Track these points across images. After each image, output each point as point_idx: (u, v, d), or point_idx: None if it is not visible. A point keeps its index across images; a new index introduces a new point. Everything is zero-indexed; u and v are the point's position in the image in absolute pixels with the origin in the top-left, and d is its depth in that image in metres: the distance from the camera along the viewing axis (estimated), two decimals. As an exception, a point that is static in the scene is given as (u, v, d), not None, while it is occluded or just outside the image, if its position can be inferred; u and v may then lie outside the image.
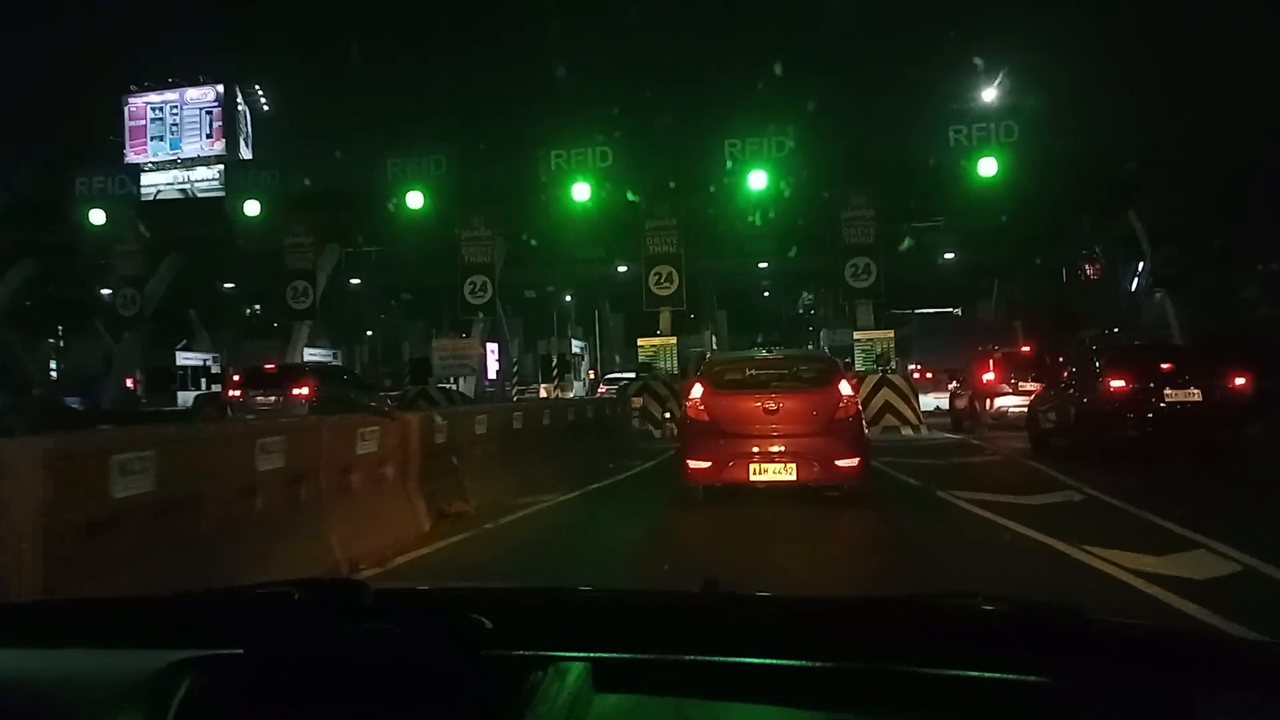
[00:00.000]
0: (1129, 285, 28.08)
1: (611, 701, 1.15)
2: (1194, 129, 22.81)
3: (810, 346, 50.49)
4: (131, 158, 43.44)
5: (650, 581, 4.97)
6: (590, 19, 28.58)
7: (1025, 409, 17.15)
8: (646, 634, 1.31)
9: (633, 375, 23.67)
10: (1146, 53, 24.70)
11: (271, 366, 22.75)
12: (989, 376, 17.88)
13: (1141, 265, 27.50)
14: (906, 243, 29.17)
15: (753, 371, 9.21)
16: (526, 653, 1.22)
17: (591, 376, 38.96)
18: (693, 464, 8.45)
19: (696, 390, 8.81)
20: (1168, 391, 11.33)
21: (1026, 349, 18.73)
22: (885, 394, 19.40)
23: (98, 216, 26.69)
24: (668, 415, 19.37)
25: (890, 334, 22.04)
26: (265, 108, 47.72)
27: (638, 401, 18.46)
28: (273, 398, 19.23)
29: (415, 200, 25.54)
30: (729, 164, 25.03)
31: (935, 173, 25.22)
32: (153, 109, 46.03)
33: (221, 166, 34.55)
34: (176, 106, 46.34)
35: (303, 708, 1.17)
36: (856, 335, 22.06)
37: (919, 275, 31.54)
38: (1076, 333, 27.65)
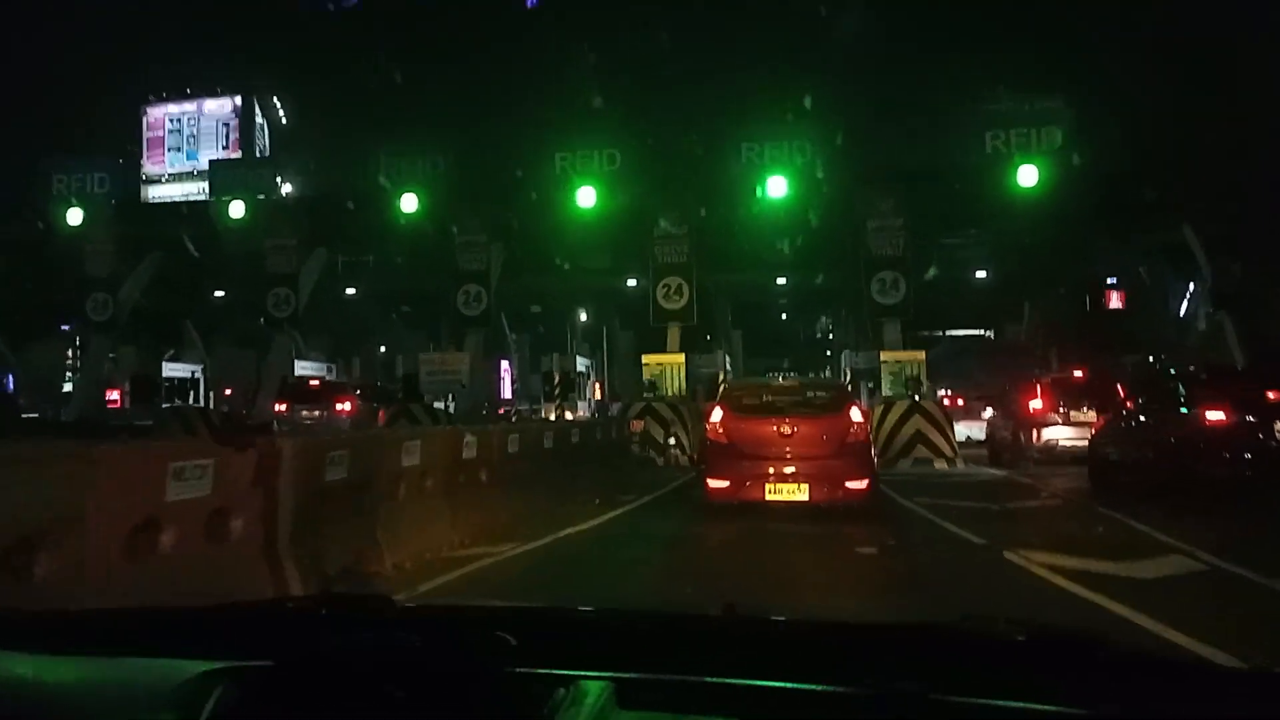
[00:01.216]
0: (1177, 307, 25.91)
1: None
2: (1255, 135, 20.81)
3: (827, 371, 49.39)
4: (149, 169, 42.37)
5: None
6: (599, 15, 26.55)
7: (1079, 442, 15.14)
8: (668, 655, 1.30)
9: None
10: (1203, 52, 22.68)
11: (315, 383, 24.46)
12: (1036, 404, 15.79)
13: (1193, 284, 25.33)
14: (932, 271, 27.20)
15: (769, 397, 9.85)
16: (550, 671, 1.23)
17: (598, 396, 36.92)
18: (712, 483, 9.17)
19: (717, 414, 9.49)
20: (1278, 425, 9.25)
21: (1079, 374, 16.60)
22: (917, 422, 17.33)
23: (75, 216, 25.10)
24: (671, 441, 17.36)
25: (921, 355, 19.96)
26: (284, 120, 46.69)
27: (638, 425, 16.46)
28: (317, 412, 20.08)
29: (410, 203, 23.79)
30: (745, 169, 23.17)
31: (968, 182, 23.26)
32: (171, 120, 45.14)
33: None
34: (194, 118, 45.44)
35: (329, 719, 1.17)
36: (884, 356, 19.99)
37: (948, 293, 29.40)
38: (1115, 358, 25.50)
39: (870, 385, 26.66)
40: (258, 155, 43.24)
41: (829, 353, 54.89)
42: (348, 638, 1.30)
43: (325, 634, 1.34)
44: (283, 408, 20.97)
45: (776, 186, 22.61)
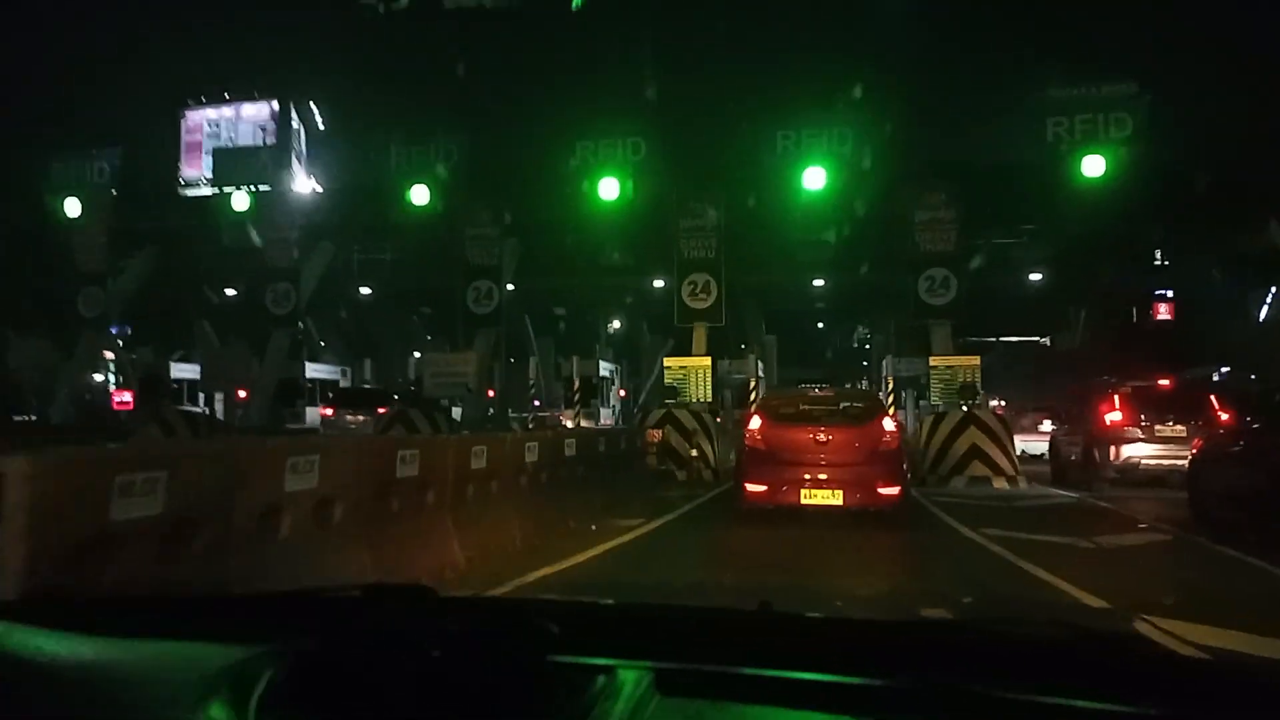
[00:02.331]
0: (1258, 314, 23.53)
1: (673, 710, 1.17)
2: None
3: (864, 383, 47.26)
4: (186, 173, 41.56)
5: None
6: (624, -6, 24.72)
7: (1164, 461, 13.08)
8: (707, 647, 1.32)
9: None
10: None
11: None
12: (1115, 417, 13.68)
13: (1275, 289, 22.98)
14: (976, 260, 24.96)
15: (805, 406, 10.26)
16: (592, 660, 1.25)
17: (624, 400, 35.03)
18: (750, 487, 9.48)
19: (755, 421, 9.89)
20: None
21: (1165, 383, 14.45)
22: (972, 435, 15.28)
23: (72, 206, 23.78)
24: (694, 453, 15.45)
25: (976, 360, 17.90)
26: (321, 125, 45.91)
27: (655, 435, 14.56)
28: (361, 417, 20.27)
29: (420, 195, 22.21)
30: (781, 160, 21.25)
31: (1026, 173, 21.20)
32: (209, 124, 44.74)
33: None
34: (232, 122, 45.20)
35: (374, 704, 1.18)
36: (934, 362, 17.94)
37: (1000, 296, 27.13)
38: (1182, 370, 23.13)
39: (917, 395, 24.49)
40: (294, 161, 42.66)
41: (865, 363, 52.85)
42: (392, 625, 1.30)
43: (370, 621, 1.34)
44: (329, 412, 21.14)
45: (814, 178, 20.69)
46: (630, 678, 1.21)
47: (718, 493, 13.83)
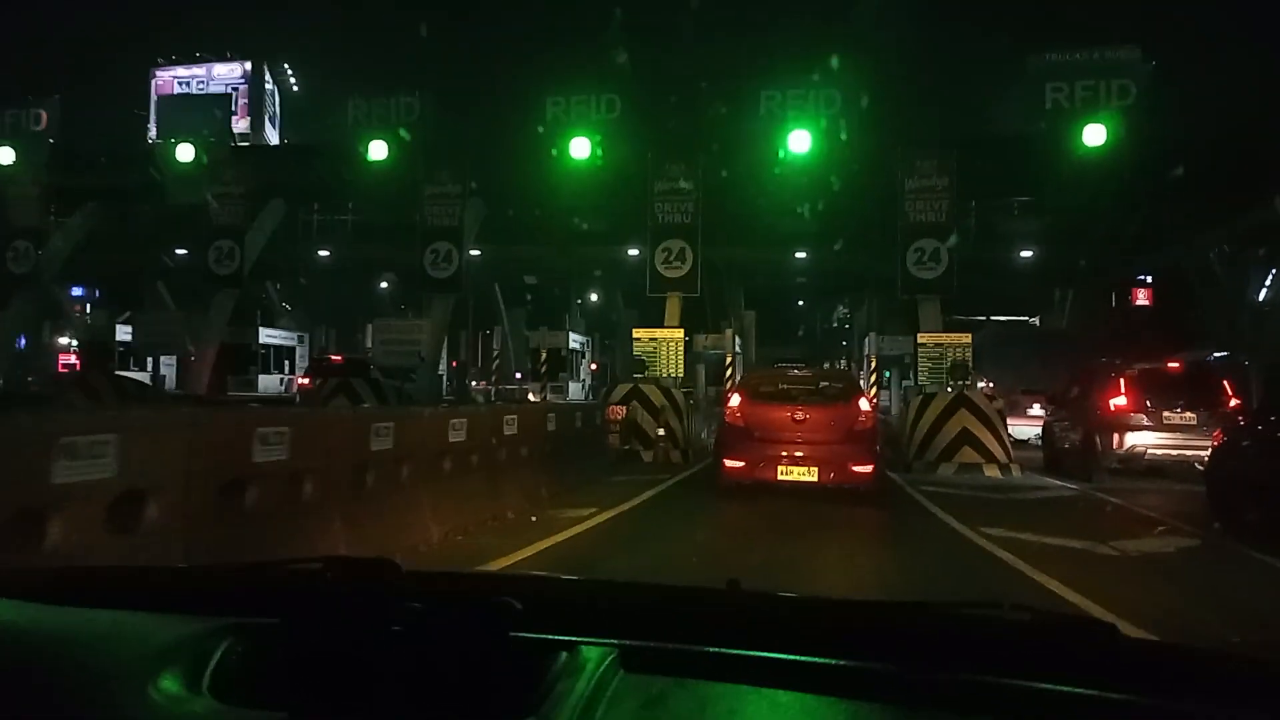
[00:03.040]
0: (1256, 294, 22.50)
1: (636, 687, 1.16)
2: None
3: (844, 361, 46.29)
4: (155, 132, 39.60)
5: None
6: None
7: (1173, 451, 12.01)
8: (672, 625, 1.31)
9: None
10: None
11: (339, 358, 23.44)
12: (1119, 402, 12.55)
13: (1276, 270, 21.95)
14: (963, 234, 23.77)
15: (784, 385, 10.44)
16: (555, 636, 1.23)
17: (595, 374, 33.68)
18: (729, 463, 9.72)
19: (735, 399, 10.16)
20: None
21: (1175, 365, 13.34)
22: (963, 418, 14.12)
23: (5, 154, 22.07)
24: (661, 432, 14.21)
25: (967, 339, 16.73)
26: (295, 87, 44.03)
27: (618, 411, 13.25)
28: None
29: (378, 151, 20.69)
30: (764, 122, 19.89)
31: (1024, 142, 19.99)
32: (179, 82, 42.88)
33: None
34: (203, 82, 43.46)
35: (333, 678, 1.17)
36: (922, 339, 16.75)
37: (989, 273, 25.89)
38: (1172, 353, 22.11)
39: (901, 375, 23.33)
40: (267, 123, 40.89)
41: (844, 343, 51.85)
42: (354, 599, 1.28)
43: (331, 595, 1.32)
44: (305, 382, 20.21)
45: (799, 141, 19.32)
46: (593, 655, 1.20)
47: (686, 476, 12.62)
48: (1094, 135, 18.72)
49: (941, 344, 16.49)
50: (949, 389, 14.89)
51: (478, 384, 25.99)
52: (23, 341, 27.50)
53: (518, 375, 32.18)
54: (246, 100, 41.50)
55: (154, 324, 17.01)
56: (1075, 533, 7.77)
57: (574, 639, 1.23)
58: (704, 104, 20.66)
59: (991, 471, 13.69)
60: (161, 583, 1.59)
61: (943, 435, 14.07)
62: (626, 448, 13.45)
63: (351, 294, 35.94)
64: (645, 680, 1.17)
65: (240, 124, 40.02)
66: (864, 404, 9.99)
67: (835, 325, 57.40)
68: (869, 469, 9.41)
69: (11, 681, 1.18)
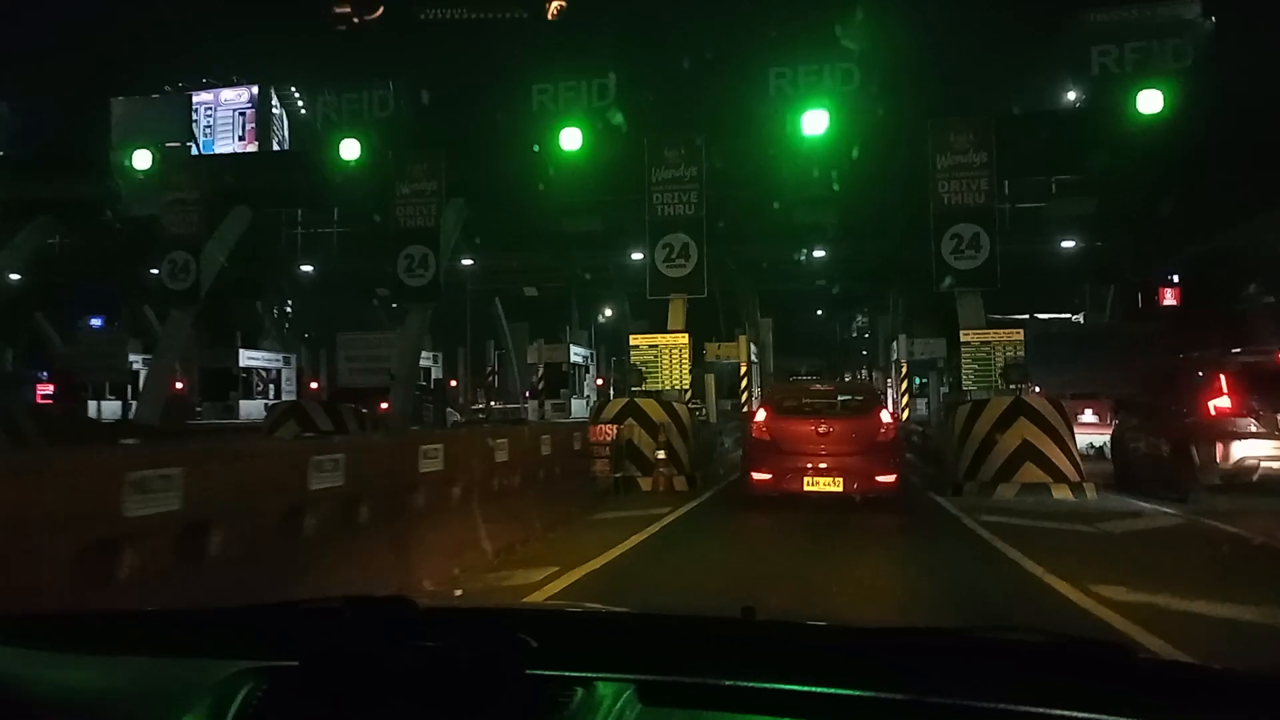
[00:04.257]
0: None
1: None
2: None
3: (864, 372, 44.07)
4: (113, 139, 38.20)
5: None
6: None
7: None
8: (689, 658, 1.30)
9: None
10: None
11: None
12: (1222, 404, 10.19)
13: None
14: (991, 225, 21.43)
15: (807, 400, 10.87)
16: (571, 673, 1.24)
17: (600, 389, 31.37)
18: (756, 475, 10.06)
19: (761, 414, 10.50)
20: None
21: (1291, 358, 10.97)
22: (1023, 428, 11.75)
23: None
24: (661, 455, 11.91)
25: (1019, 335, 14.42)
26: (303, 110, 42.57)
27: (606, 432, 10.91)
28: (364, 410, 17.99)
29: (350, 150, 18.69)
30: (775, 103, 17.71)
31: (1063, 114, 17.74)
32: None
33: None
34: (211, 108, 42.39)
35: (352, 719, 1.18)
36: (965, 337, 14.41)
37: (1023, 265, 23.39)
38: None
39: (939, 381, 20.91)
40: (275, 147, 39.31)
41: (864, 352, 49.64)
42: (372, 639, 1.27)
43: (350, 635, 1.31)
44: (385, 406, 18.84)
45: (815, 123, 17.12)
46: (610, 690, 1.20)
47: (693, 509, 10.38)
48: (1149, 102, 16.36)
49: (989, 342, 14.17)
50: (1022, 391, 12.60)
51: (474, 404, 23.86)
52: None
53: (526, 394, 30.06)
54: (254, 125, 40.28)
55: (88, 345, 15.00)
56: (1225, 590, 5.44)
57: (590, 675, 1.22)
58: (707, 86, 18.45)
59: (1061, 493, 11.32)
60: (180, 628, 1.56)
61: (999, 450, 11.71)
62: (619, 476, 11.16)
63: (345, 311, 33.98)
64: (663, 715, 1.17)
65: (249, 148, 38.78)
66: (885, 415, 10.43)
67: (855, 335, 55.23)
68: (892, 478, 9.77)
69: None
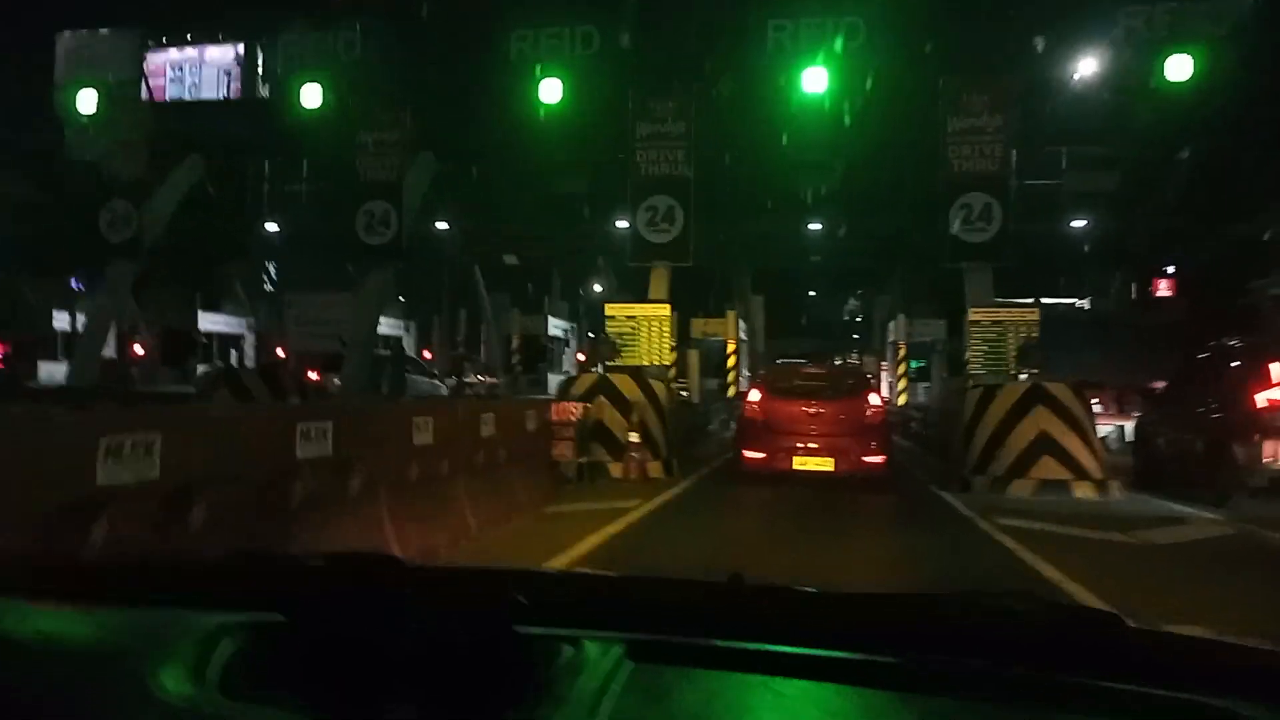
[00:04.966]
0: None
1: (643, 681, 1.15)
2: None
3: (856, 356, 43.05)
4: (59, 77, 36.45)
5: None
6: None
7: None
8: (679, 619, 1.31)
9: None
10: None
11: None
12: (1273, 395, 8.91)
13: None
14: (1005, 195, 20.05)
15: (799, 382, 11.22)
16: (560, 631, 1.23)
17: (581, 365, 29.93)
18: (748, 454, 10.24)
19: (754, 394, 10.97)
20: None
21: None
22: (1041, 418, 10.43)
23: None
24: (635, 438, 10.56)
25: (1035, 314, 13.14)
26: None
27: (570, 411, 9.52)
28: (316, 378, 17.61)
29: (311, 97, 17.22)
30: (772, 59, 16.30)
31: (1087, 79, 16.33)
32: (172, 67, 39.95)
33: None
34: (196, 65, 40.68)
35: (339, 676, 1.15)
36: (974, 316, 13.09)
37: (1029, 244, 22.03)
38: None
39: (948, 365, 19.62)
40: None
41: (856, 336, 48.63)
42: (359, 595, 1.24)
43: (336, 591, 1.28)
44: (315, 376, 18.68)
45: (815, 80, 15.67)
46: (599, 649, 1.19)
47: (668, 500, 9.09)
48: (1178, 68, 14.96)
49: (1001, 321, 12.87)
50: (1039, 377, 11.33)
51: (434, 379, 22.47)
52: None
53: (518, 368, 28.66)
54: (240, 84, 38.64)
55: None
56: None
57: (579, 633, 1.22)
58: (699, 39, 16.95)
59: (1083, 491, 10.04)
60: (165, 578, 1.52)
61: (1013, 442, 10.41)
62: (584, 460, 9.81)
63: (331, 273, 32.35)
64: (652, 674, 1.17)
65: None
66: (874, 398, 10.77)
67: (846, 319, 54.15)
68: (880, 459, 9.97)
69: (10, 683, 1.16)
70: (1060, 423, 10.43)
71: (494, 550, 5.84)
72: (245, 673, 1.17)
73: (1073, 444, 10.35)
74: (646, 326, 13.61)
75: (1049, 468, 10.24)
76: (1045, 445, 10.33)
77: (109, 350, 26.98)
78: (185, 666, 1.16)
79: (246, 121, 19.30)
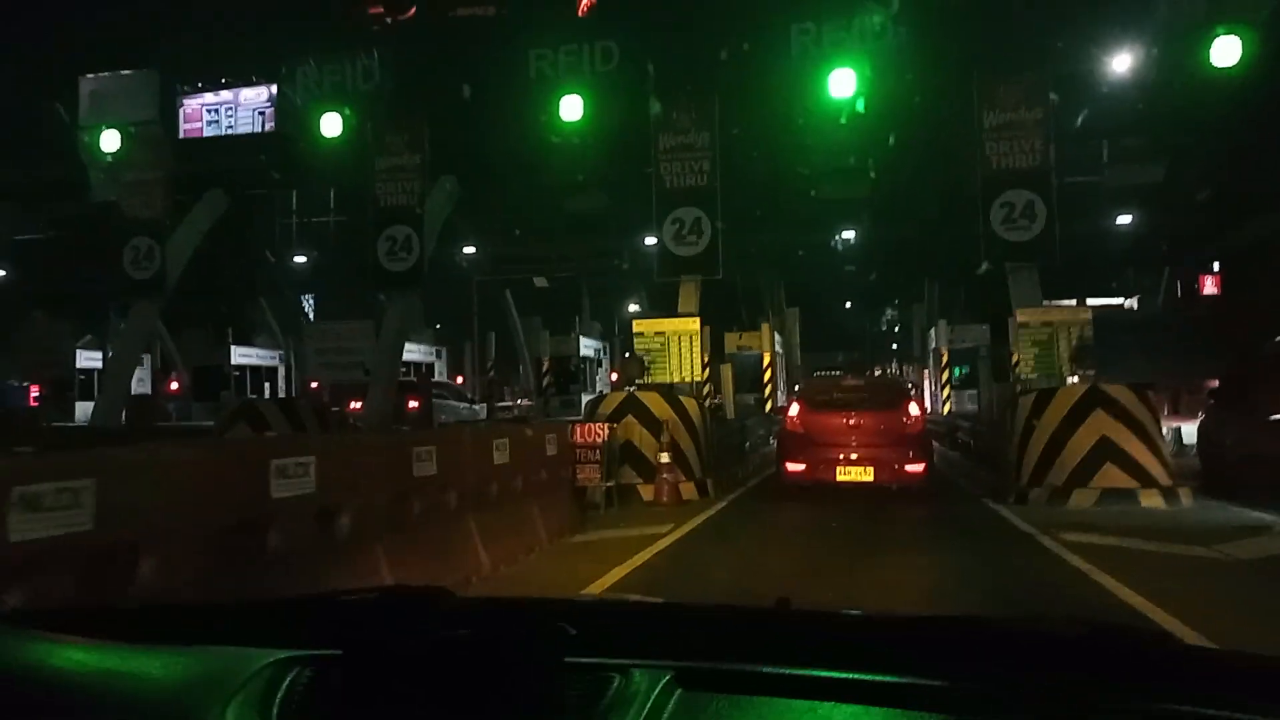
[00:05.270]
0: None
1: (691, 709, 1.15)
2: None
3: (895, 366, 42.25)
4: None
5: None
6: None
7: None
8: (726, 646, 1.29)
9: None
10: None
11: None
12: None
13: None
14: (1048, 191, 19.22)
15: (838, 394, 11.31)
16: (609, 660, 1.23)
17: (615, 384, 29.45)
18: (790, 466, 10.48)
19: (794, 409, 11.07)
20: None
21: None
22: (1101, 423, 9.72)
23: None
24: (665, 458, 10.01)
25: (1086, 315, 12.44)
26: None
27: (596, 432, 9.00)
28: (334, 409, 17.75)
29: (331, 126, 17.16)
30: (798, 63, 15.85)
31: (1129, 65, 15.61)
32: (208, 110, 40.55)
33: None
34: (231, 107, 41.24)
35: (394, 708, 1.18)
36: (1021, 318, 12.39)
37: (1070, 244, 21.15)
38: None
39: (981, 369, 18.85)
40: None
41: (895, 345, 47.77)
42: (412, 628, 1.27)
43: (390, 624, 1.32)
44: (358, 405, 18.87)
45: (842, 83, 15.16)
46: (648, 677, 1.19)
47: (700, 525, 8.52)
48: (1225, 52, 14.24)
49: (1051, 322, 12.16)
50: (1097, 380, 10.63)
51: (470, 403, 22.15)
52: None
53: (550, 391, 28.26)
54: (274, 124, 39.05)
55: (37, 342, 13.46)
56: None
57: (628, 662, 1.23)
58: (721, 45, 16.51)
59: (1151, 500, 9.31)
60: (226, 618, 1.54)
61: (1072, 449, 9.70)
62: (612, 484, 9.27)
63: (361, 305, 32.30)
64: (701, 701, 1.16)
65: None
66: (913, 409, 10.77)
67: (884, 328, 53.26)
68: (920, 468, 10.06)
69: None
70: (1122, 427, 9.71)
71: (508, 590, 5.34)
72: (304, 707, 1.20)
73: (1136, 449, 9.62)
74: (676, 342, 13.09)
75: (1112, 475, 9.51)
76: (1107, 451, 9.61)
77: (145, 386, 27.23)
78: (247, 703, 1.19)
79: (271, 154, 19.14)
